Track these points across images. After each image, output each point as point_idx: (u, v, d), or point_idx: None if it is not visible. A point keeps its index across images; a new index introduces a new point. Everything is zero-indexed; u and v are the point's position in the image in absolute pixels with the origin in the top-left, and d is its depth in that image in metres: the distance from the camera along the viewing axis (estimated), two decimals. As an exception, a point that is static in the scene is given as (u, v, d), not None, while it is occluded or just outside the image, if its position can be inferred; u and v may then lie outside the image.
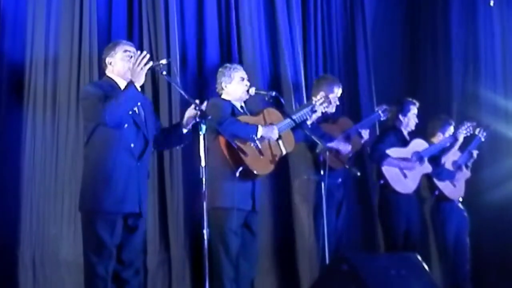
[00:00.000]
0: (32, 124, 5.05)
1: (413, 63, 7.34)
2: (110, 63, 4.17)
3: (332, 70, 6.50)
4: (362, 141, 5.44)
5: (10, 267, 4.88)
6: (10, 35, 5.02)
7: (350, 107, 6.50)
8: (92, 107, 3.99)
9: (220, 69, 4.88)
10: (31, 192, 5.00)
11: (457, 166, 6.06)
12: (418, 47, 7.39)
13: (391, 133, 5.79)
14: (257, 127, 4.59)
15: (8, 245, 4.90)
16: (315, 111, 4.90)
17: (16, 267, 4.90)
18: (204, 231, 3.82)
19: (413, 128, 5.88)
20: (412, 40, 7.37)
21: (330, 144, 5.09)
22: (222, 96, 4.81)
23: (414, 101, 5.93)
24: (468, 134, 5.98)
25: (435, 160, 5.89)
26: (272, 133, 4.65)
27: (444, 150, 5.86)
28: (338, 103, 5.41)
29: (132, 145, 4.03)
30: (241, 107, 4.81)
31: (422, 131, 6.13)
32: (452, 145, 5.90)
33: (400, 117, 5.84)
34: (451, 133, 6.04)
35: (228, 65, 4.93)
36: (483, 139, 6.22)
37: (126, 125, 4.02)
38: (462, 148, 6.35)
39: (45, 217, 5.02)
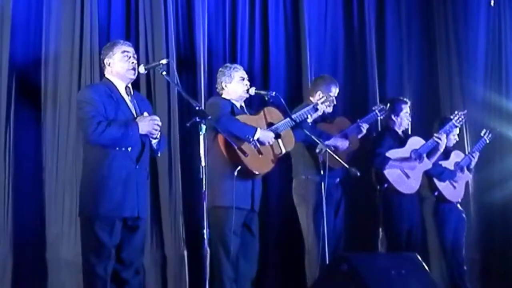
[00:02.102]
0: (35, 124, 5.06)
1: (429, 63, 7.33)
2: (109, 64, 4.17)
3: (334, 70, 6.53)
4: (359, 136, 5.43)
5: (37, 268, 4.92)
6: (12, 35, 5.01)
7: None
8: (84, 121, 4.00)
9: (220, 69, 4.89)
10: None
11: (459, 167, 6.04)
12: (434, 47, 7.38)
13: (386, 135, 5.76)
14: (256, 129, 4.59)
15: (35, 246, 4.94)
16: (317, 109, 4.90)
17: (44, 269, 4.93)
18: (204, 231, 3.82)
19: (406, 127, 5.85)
20: (429, 40, 7.37)
21: (328, 142, 5.09)
22: (222, 96, 4.81)
23: (406, 99, 5.91)
24: (461, 123, 5.93)
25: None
26: (269, 139, 4.64)
27: (436, 147, 5.80)
28: (335, 102, 5.41)
29: (129, 148, 4.03)
30: (241, 106, 4.81)
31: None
32: (437, 139, 5.73)
33: (393, 117, 5.79)
34: (455, 133, 6.01)
35: (228, 64, 4.94)
36: (488, 141, 6.18)
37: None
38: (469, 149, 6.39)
39: (46, 217, 5.01)
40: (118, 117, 4.04)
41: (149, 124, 4.05)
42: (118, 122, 4.00)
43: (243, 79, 4.80)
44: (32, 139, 5.05)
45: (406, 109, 5.83)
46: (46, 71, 5.10)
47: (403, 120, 5.81)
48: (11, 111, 4.88)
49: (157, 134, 4.10)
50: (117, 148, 3.98)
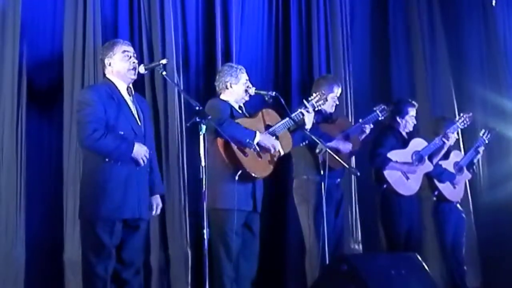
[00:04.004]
0: (43, 124, 5.06)
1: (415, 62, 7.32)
2: (109, 64, 4.14)
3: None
4: (362, 137, 5.43)
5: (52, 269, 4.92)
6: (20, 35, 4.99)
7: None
8: (81, 124, 3.98)
9: (224, 68, 4.86)
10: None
11: (459, 167, 6.04)
12: (433, 47, 7.35)
13: (389, 135, 5.74)
14: (255, 133, 4.58)
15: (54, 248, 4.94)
16: (306, 107, 4.87)
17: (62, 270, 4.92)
18: (204, 231, 3.82)
19: (410, 129, 5.82)
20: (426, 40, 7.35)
21: (329, 144, 5.08)
22: (223, 95, 4.79)
23: (413, 102, 5.87)
24: (466, 125, 5.93)
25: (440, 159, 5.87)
26: (269, 142, 4.63)
27: (440, 149, 5.80)
28: (337, 103, 5.40)
29: (119, 163, 4.00)
30: (240, 107, 4.81)
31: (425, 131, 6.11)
32: (444, 140, 5.75)
33: (398, 118, 5.77)
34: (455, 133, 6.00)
35: (232, 64, 4.93)
36: (487, 141, 6.17)
37: (122, 133, 4.03)
38: (465, 149, 6.37)
39: (56, 218, 5.01)
40: (119, 118, 4.02)
41: (143, 152, 4.03)
42: (115, 135, 3.97)
43: (247, 81, 4.80)
44: (43, 139, 5.05)
45: (412, 112, 5.80)
46: (52, 71, 5.09)
47: (408, 122, 5.78)
48: (22, 112, 4.86)
49: (142, 164, 4.05)
50: (106, 160, 3.95)
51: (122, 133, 4.01)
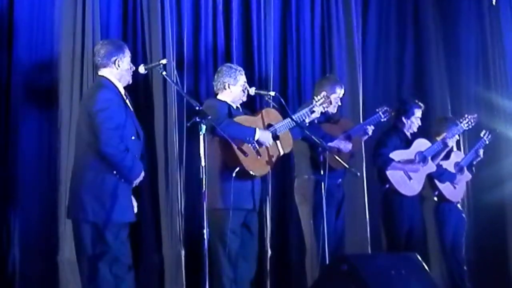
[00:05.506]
0: (39, 124, 5.05)
1: (417, 63, 7.31)
2: (119, 65, 4.09)
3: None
4: (364, 138, 5.43)
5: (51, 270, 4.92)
6: (15, 36, 4.98)
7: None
8: (104, 130, 3.89)
9: (222, 68, 4.86)
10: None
11: (459, 168, 6.04)
12: (423, 47, 7.35)
13: (393, 135, 5.74)
14: (255, 130, 4.59)
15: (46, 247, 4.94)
16: (314, 111, 4.89)
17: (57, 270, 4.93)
18: (204, 231, 3.82)
19: (415, 130, 5.80)
20: (418, 40, 7.34)
21: (331, 144, 5.09)
22: (220, 95, 4.80)
23: (420, 103, 5.85)
24: (470, 126, 5.92)
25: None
26: (267, 139, 4.64)
27: (443, 149, 5.80)
28: (340, 103, 5.40)
29: (136, 155, 4.05)
30: (237, 107, 4.81)
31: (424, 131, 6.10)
32: (448, 141, 5.76)
33: (403, 119, 5.77)
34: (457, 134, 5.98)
35: (231, 65, 4.94)
36: (487, 142, 6.16)
37: (133, 137, 4.04)
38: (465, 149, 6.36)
39: (51, 217, 5.01)
40: (127, 121, 4.02)
41: (141, 177, 4.10)
42: (133, 156, 3.99)
43: (245, 83, 4.80)
44: (38, 139, 5.03)
45: (418, 114, 5.79)
46: (49, 72, 5.08)
47: (413, 124, 5.77)
48: (16, 111, 4.86)
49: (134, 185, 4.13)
50: (114, 172, 3.94)
51: (133, 138, 4.04)
